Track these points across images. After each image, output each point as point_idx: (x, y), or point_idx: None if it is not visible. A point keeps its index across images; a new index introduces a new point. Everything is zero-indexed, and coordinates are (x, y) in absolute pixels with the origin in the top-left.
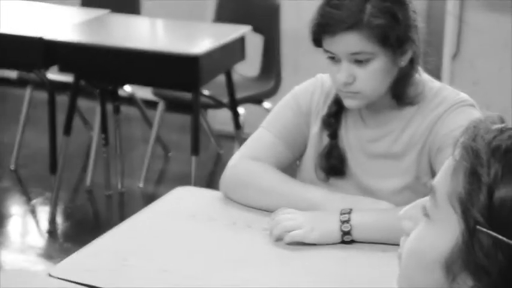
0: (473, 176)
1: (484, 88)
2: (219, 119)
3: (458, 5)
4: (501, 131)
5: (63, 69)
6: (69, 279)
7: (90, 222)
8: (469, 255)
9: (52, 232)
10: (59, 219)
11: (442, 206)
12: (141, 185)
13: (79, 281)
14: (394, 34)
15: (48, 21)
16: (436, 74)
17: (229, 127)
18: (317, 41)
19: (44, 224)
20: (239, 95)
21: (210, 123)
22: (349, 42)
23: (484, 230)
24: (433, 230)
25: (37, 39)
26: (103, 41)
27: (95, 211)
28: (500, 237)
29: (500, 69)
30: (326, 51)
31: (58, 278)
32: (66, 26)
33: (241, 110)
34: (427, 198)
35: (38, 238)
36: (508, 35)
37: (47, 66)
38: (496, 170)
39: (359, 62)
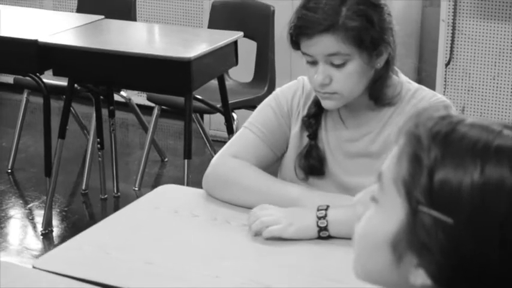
0: (415, 160)
1: (478, 95)
2: (214, 124)
3: (452, 13)
4: (442, 118)
5: (57, 73)
6: (52, 270)
7: (85, 225)
8: (413, 235)
9: (47, 235)
10: (55, 222)
11: (388, 190)
12: (136, 189)
13: (62, 273)
14: (369, 36)
15: (44, 27)
16: (430, 81)
17: (224, 132)
18: (295, 44)
19: (40, 227)
20: (233, 100)
21: (205, 129)
22: (325, 44)
23: (426, 209)
24: (381, 214)
25: (32, 43)
26: (97, 45)
27: (90, 214)
28: (440, 216)
29: (494, 76)
30: (304, 53)
31: (42, 270)
32: (61, 30)
33: (234, 115)
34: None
35: (33, 241)
36: (501, 42)
37: (41, 70)
38: (435, 153)
39: (336, 64)
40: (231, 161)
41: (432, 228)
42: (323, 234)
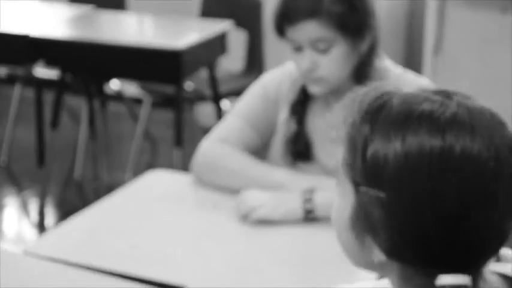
0: (351, 142)
1: (465, 84)
2: (205, 113)
3: (439, 1)
4: (376, 97)
5: (49, 64)
6: (43, 255)
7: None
8: (360, 216)
9: (41, 224)
10: (49, 212)
11: (341, 176)
12: (128, 177)
13: (53, 257)
14: (352, 21)
15: (35, 17)
16: (418, 69)
17: (215, 121)
18: (280, 31)
19: (34, 216)
20: (223, 89)
21: (196, 118)
22: (309, 29)
23: (363, 189)
24: (341, 199)
25: (23, 36)
26: (88, 35)
27: (83, 203)
28: (374, 192)
29: (481, 64)
30: (289, 40)
31: (33, 255)
32: (52, 21)
33: (225, 104)
34: None
35: (27, 230)
36: (489, 30)
37: (33, 61)
38: (365, 130)
39: (320, 49)
40: (219, 146)
41: (371, 206)
42: (309, 217)
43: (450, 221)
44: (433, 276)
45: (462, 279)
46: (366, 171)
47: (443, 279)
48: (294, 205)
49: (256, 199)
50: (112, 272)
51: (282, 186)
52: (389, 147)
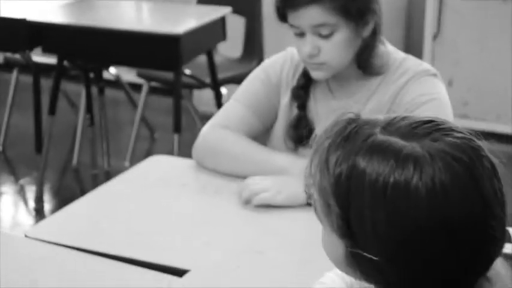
0: (324, 164)
1: (465, 68)
2: (203, 100)
3: None
4: (346, 123)
5: (46, 50)
6: (44, 239)
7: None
8: (354, 263)
9: (39, 210)
10: (46, 198)
11: (324, 223)
12: (127, 164)
13: (54, 241)
14: (355, 6)
15: (32, 3)
16: (418, 55)
17: (214, 108)
18: (282, 16)
19: (31, 203)
20: (222, 76)
21: (195, 105)
22: (311, 15)
23: (357, 250)
24: (329, 238)
25: (21, 21)
26: (86, 21)
27: (81, 190)
28: (367, 255)
29: (481, 49)
30: (291, 26)
31: (34, 239)
32: (50, 7)
33: (224, 90)
34: None
35: (25, 216)
36: (488, 15)
37: (31, 48)
38: (337, 155)
39: (323, 34)
40: (220, 131)
41: (364, 262)
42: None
43: (447, 256)
44: None
45: None
46: (351, 233)
47: None
48: (296, 190)
49: (259, 184)
50: (114, 256)
51: (284, 171)
52: (374, 216)
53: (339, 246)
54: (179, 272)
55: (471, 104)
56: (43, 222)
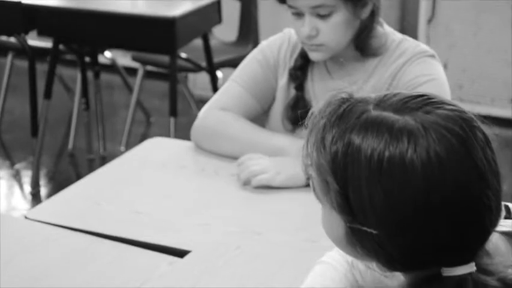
0: (321, 143)
1: (459, 52)
2: (199, 84)
3: None
4: (340, 102)
5: (42, 33)
6: (44, 221)
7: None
8: (353, 241)
9: (35, 195)
10: (42, 183)
11: (323, 201)
12: (122, 148)
13: (54, 223)
14: None
15: None
16: (412, 38)
17: (209, 92)
18: None
19: (27, 187)
20: (217, 59)
21: (190, 89)
22: None
23: (356, 225)
24: (328, 216)
25: (16, 4)
26: (81, 4)
27: (77, 174)
28: (367, 229)
29: (475, 33)
30: (290, 6)
31: (34, 220)
32: None
33: (219, 74)
34: None
35: (21, 201)
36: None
37: (26, 31)
38: (333, 133)
39: (321, 16)
40: (219, 113)
41: (365, 237)
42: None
43: (445, 227)
44: (438, 270)
45: (466, 268)
46: (350, 208)
47: (449, 271)
48: (295, 170)
49: (257, 165)
50: (115, 237)
51: (283, 152)
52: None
53: (338, 223)
54: (180, 253)
55: (466, 88)
56: (43, 204)
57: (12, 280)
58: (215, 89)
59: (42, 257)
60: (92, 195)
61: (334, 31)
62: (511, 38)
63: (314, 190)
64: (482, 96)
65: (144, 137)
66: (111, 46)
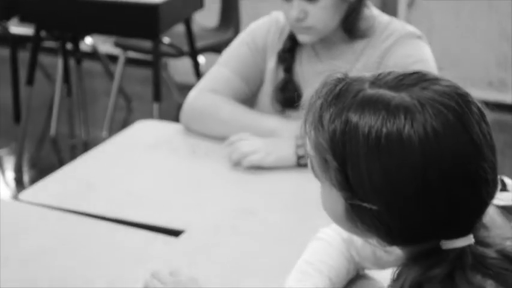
0: (319, 122)
1: (440, 36)
2: (180, 70)
3: None
4: (336, 81)
5: (24, 20)
6: (36, 202)
7: (55, 170)
8: (353, 217)
9: (18, 181)
10: (25, 169)
11: (321, 178)
12: (104, 134)
13: (46, 204)
14: None
15: None
16: None
17: (191, 77)
18: None
19: (10, 174)
20: (199, 44)
21: (171, 75)
22: None
23: (355, 201)
24: (328, 193)
25: None
26: None
27: (59, 160)
28: (366, 204)
29: (456, 17)
30: None
31: (26, 202)
32: None
33: (201, 59)
34: None
35: (4, 187)
36: None
37: (7, 18)
38: (330, 112)
39: None
40: (208, 95)
41: (365, 212)
42: (302, 162)
43: (443, 200)
44: (437, 244)
45: (465, 241)
46: (350, 185)
47: (448, 244)
48: (286, 151)
49: (248, 145)
50: (108, 218)
51: (273, 133)
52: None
53: (338, 201)
54: (174, 233)
55: (446, 70)
56: (34, 186)
57: (5, 263)
58: (198, 74)
59: (35, 238)
60: (85, 177)
61: (322, 14)
62: (491, 21)
63: (313, 169)
64: (462, 79)
65: (125, 123)
66: (94, 32)
